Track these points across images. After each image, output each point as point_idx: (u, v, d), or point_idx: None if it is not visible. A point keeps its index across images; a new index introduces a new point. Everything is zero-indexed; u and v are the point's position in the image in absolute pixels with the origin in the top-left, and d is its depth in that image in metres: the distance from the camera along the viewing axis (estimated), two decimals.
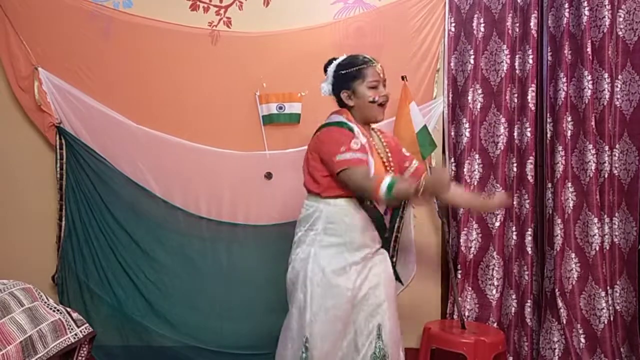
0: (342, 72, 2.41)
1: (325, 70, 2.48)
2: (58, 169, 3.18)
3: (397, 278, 2.57)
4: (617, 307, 3.12)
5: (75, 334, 2.37)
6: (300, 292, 2.33)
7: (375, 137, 2.48)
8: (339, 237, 2.33)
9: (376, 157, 2.37)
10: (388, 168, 2.41)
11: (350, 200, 2.34)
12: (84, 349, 2.45)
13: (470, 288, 3.24)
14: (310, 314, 2.28)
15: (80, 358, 2.44)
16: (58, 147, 3.18)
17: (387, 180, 2.14)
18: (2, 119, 3.25)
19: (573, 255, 3.09)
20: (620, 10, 3.07)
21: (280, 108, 3.17)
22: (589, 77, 3.05)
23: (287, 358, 2.36)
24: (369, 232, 2.38)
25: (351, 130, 2.33)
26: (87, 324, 2.45)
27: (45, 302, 2.40)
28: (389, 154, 2.45)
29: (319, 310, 2.28)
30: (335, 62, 2.46)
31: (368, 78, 2.37)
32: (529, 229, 3.19)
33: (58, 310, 2.40)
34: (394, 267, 2.54)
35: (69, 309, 2.45)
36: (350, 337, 2.33)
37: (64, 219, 3.19)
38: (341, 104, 2.45)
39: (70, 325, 2.38)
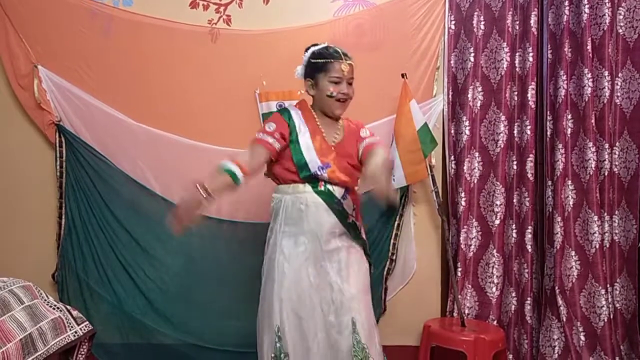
0: (312, 60, 2.47)
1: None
2: (58, 167, 3.18)
3: (370, 263, 2.54)
4: (617, 305, 3.12)
5: (75, 332, 2.38)
6: (269, 282, 2.38)
7: (336, 124, 2.51)
8: (297, 226, 2.38)
9: (318, 139, 2.42)
10: (332, 151, 2.43)
11: (304, 186, 2.39)
12: (84, 346, 2.46)
13: (470, 286, 3.24)
14: (279, 303, 2.32)
15: (80, 356, 2.44)
16: (58, 145, 3.17)
17: (229, 165, 2.28)
18: (1, 117, 3.25)
19: (573, 253, 3.09)
20: (621, 8, 3.08)
21: (280, 106, 3.16)
22: (589, 75, 3.05)
23: (264, 346, 2.37)
24: (328, 217, 2.38)
25: (286, 115, 2.44)
26: (87, 322, 2.45)
27: (45, 300, 2.41)
28: (335, 140, 2.47)
29: (287, 300, 2.32)
30: (312, 49, 2.50)
31: (331, 72, 2.41)
32: (529, 227, 3.19)
33: (58, 308, 2.40)
34: (367, 253, 2.51)
35: (69, 307, 2.46)
36: (323, 329, 2.32)
37: (63, 217, 3.19)
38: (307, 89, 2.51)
39: (70, 323, 2.38)
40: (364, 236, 2.53)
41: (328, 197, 2.39)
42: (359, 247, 2.47)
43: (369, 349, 2.31)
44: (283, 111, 2.50)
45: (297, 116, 2.45)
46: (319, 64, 2.43)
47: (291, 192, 2.41)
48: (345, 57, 2.44)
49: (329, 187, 2.39)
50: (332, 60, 2.41)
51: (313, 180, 2.39)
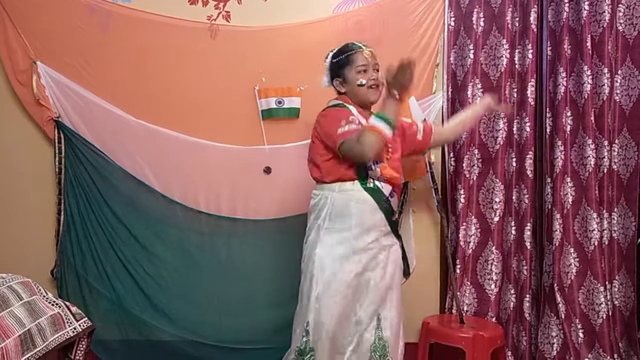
0: (334, 60, 2.51)
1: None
2: (57, 163, 3.18)
3: (407, 271, 2.60)
4: (616, 302, 3.12)
5: (74, 328, 2.38)
6: (307, 278, 2.41)
7: None
8: (343, 223, 2.39)
9: None
10: (388, 147, 2.44)
11: (354, 184, 2.41)
12: (83, 342, 2.46)
13: (469, 283, 3.24)
14: (314, 299, 2.34)
15: (79, 352, 2.44)
16: (57, 141, 3.17)
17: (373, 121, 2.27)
18: (0, 113, 3.24)
19: (572, 250, 3.10)
20: (620, 5, 3.07)
21: (280, 102, 3.16)
22: (589, 72, 3.05)
23: (295, 337, 2.43)
24: (375, 215, 2.41)
25: (349, 110, 2.45)
26: (85, 318, 2.46)
27: (44, 296, 2.41)
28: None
29: (322, 295, 2.33)
30: (329, 53, 2.55)
31: (356, 63, 2.45)
32: (528, 224, 3.18)
33: (57, 304, 2.40)
34: (404, 258, 2.56)
35: (67, 303, 2.46)
36: (352, 324, 2.36)
37: (62, 213, 3.19)
38: (339, 92, 2.54)
39: (69, 319, 2.38)
40: (400, 233, 2.58)
41: (376, 194, 2.41)
42: (399, 246, 2.52)
43: (389, 347, 2.36)
44: (342, 106, 2.48)
45: (357, 114, 2.45)
46: (342, 60, 2.47)
47: (338, 189, 2.42)
48: (365, 46, 2.48)
49: (378, 184, 2.41)
50: (354, 52, 2.46)
51: (363, 177, 2.40)
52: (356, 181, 2.40)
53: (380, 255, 2.42)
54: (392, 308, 2.40)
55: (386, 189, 2.44)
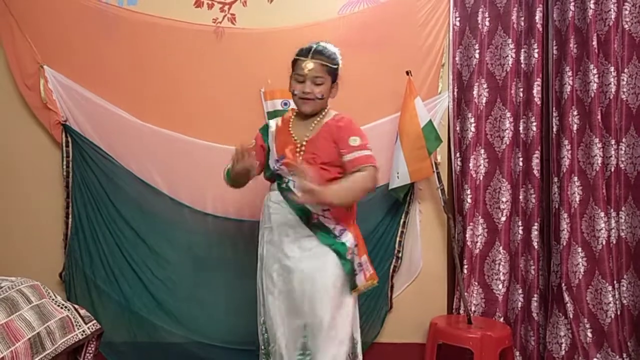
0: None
1: None
2: (64, 167, 3.20)
3: (352, 285, 2.41)
4: (624, 301, 3.11)
5: (83, 331, 2.39)
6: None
7: (311, 122, 2.47)
8: (266, 223, 2.49)
9: (283, 139, 2.49)
10: (299, 152, 2.44)
11: (273, 185, 2.51)
12: (92, 345, 2.47)
13: (476, 283, 3.24)
14: (260, 297, 2.52)
15: (88, 354, 2.45)
16: (64, 144, 3.19)
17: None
18: (8, 117, 3.27)
19: (579, 249, 3.09)
20: (626, 3, 3.07)
21: (285, 104, 3.16)
22: (595, 71, 3.04)
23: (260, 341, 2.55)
24: (289, 216, 2.40)
25: (264, 129, 2.60)
26: (94, 321, 2.47)
27: (53, 299, 2.42)
28: (306, 137, 2.44)
29: (266, 294, 2.46)
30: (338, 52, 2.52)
31: (296, 70, 2.43)
32: (535, 224, 3.18)
33: (66, 307, 2.41)
34: (343, 257, 2.38)
35: (76, 306, 2.47)
36: (284, 327, 2.41)
37: (70, 216, 3.21)
38: None
39: (78, 322, 2.39)
40: (343, 239, 2.39)
41: (287, 194, 2.42)
42: (326, 250, 2.37)
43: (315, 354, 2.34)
44: (264, 126, 2.64)
45: (274, 124, 2.57)
46: (293, 62, 2.46)
47: (267, 191, 2.55)
48: (316, 55, 2.39)
49: (291, 184, 2.40)
50: (298, 59, 2.42)
51: (278, 178, 2.46)
52: (276, 182, 2.48)
53: (299, 254, 2.37)
54: (318, 314, 2.33)
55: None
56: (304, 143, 2.44)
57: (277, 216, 2.43)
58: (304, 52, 2.41)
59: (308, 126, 2.48)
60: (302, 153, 2.43)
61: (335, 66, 2.43)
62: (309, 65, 2.38)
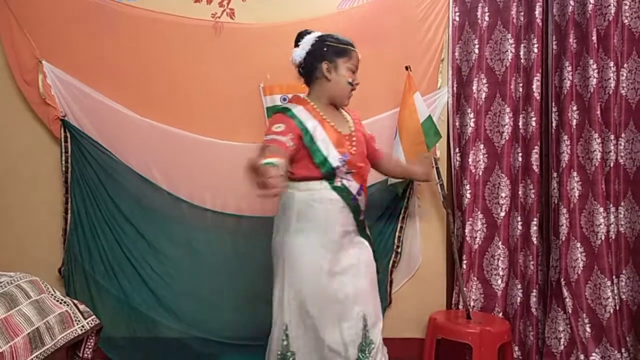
0: (329, 43, 2.39)
1: (298, 41, 2.44)
2: (63, 162, 3.19)
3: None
4: (623, 297, 3.12)
5: (82, 326, 2.39)
6: (278, 280, 2.35)
7: (341, 114, 2.47)
8: (310, 223, 2.31)
9: (332, 132, 2.34)
10: (349, 140, 2.39)
11: (320, 183, 2.32)
12: (91, 340, 2.47)
13: (475, 278, 3.24)
14: (287, 301, 2.30)
15: (87, 350, 2.46)
16: (63, 140, 3.18)
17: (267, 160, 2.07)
18: (7, 112, 3.26)
19: (579, 244, 3.09)
20: None
21: (285, 99, 3.16)
22: (595, 66, 3.04)
23: (273, 343, 2.36)
24: (342, 215, 2.34)
25: (292, 116, 2.32)
26: (93, 316, 2.47)
27: (52, 295, 2.42)
28: (350, 129, 2.43)
29: (296, 298, 2.29)
30: (315, 33, 2.44)
31: (352, 60, 2.39)
32: (535, 219, 3.18)
33: (65, 302, 2.42)
34: (373, 250, 2.49)
35: (75, 301, 2.48)
36: (333, 326, 2.30)
37: (69, 211, 3.20)
38: (308, 74, 2.43)
39: (77, 317, 2.40)
40: (368, 232, 2.49)
41: (344, 192, 2.34)
42: (368, 245, 2.45)
43: (375, 342, 2.33)
44: (286, 111, 2.36)
45: (304, 114, 2.34)
46: (340, 48, 2.38)
47: (304, 188, 2.32)
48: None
49: (345, 182, 2.34)
50: (353, 49, 2.41)
51: (331, 176, 2.32)
52: (323, 180, 2.32)
53: (351, 252, 2.36)
54: (369, 305, 2.35)
55: (354, 187, 2.36)
56: (353, 137, 2.42)
57: (330, 215, 2.33)
58: (352, 43, 2.43)
59: (341, 118, 2.45)
60: (353, 146, 2.40)
61: None
62: (359, 56, 2.42)
